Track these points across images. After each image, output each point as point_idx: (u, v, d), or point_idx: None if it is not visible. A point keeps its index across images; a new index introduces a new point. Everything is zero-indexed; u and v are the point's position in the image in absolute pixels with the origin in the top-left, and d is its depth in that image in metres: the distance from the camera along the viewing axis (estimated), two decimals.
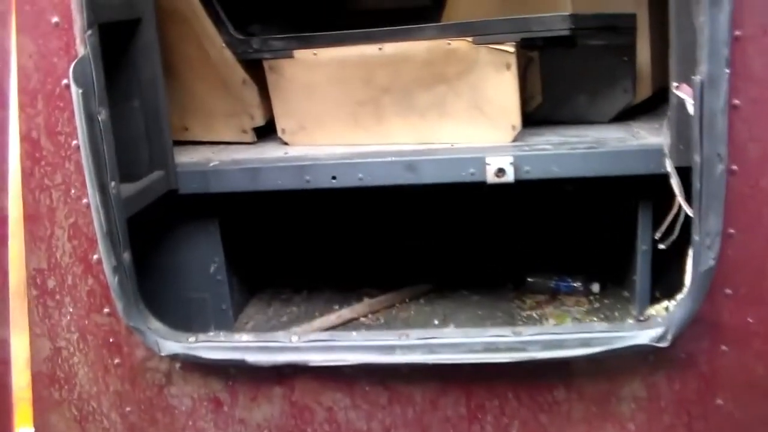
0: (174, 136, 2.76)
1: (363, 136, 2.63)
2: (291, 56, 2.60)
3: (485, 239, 3.30)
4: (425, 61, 2.48)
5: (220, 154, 2.69)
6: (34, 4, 1.93)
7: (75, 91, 1.88)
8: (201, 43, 2.71)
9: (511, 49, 2.38)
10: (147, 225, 2.42)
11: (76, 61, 1.89)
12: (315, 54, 2.58)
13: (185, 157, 2.67)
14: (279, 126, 2.74)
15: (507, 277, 3.05)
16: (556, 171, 2.31)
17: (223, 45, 2.68)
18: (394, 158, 2.40)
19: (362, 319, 2.85)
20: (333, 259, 3.32)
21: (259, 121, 2.78)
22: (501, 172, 2.30)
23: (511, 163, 2.29)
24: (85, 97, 1.90)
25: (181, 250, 2.70)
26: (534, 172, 2.32)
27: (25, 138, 2.01)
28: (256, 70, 2.71)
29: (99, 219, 1.96)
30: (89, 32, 1.91)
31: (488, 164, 2.30)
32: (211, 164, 2.55)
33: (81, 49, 1.91)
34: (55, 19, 1.92)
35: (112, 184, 1.99)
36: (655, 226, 2.24)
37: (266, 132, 2.84)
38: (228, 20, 2.67)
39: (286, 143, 2.74)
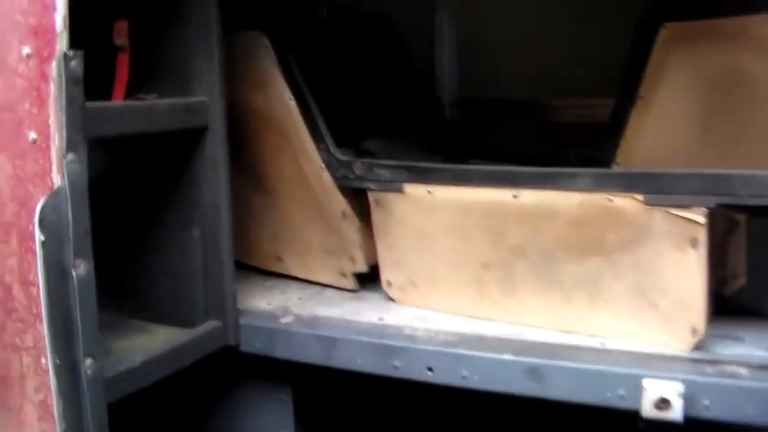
0: (267, 266, 2.34)
1: (488, 308, 1.94)
2: (401, 190, 1.97)
3: None
4: (576, 220, 1.77)
5: (306, 303, 2.11)
6: (12, 111, 1.41)
7: (38, 238, 1.35)
8: (297, 160, 2.13)
9: (701, 219, 1.62)
10: (200, 380, 1.95)
11: (46, 196, 1.36)
12: (430, 192, 1.93)
13: (263, 301, 2.12)
14: (384, 277, 2.10)
15: None
16: (751, 414, 1.53)
17: (322, 166, 2.09)
18: (512, 357, 1.70)
19: None
20: None
21: (361, 267, 2.14)
22: (664, 403, 1.54)
23: (680, 394, 1.53)
24: (51, 247, 1.36)
25: (242, 419, 2.13)
26: (716, 409, 1.55)
27: None
28: (361, 201, 2.09)
29: (59, 410, 1.41)
30: (70, 157, 1.37)
31: (645, 389, 1.55)
32: (282, 320, 1.97)
33: (57, 180, 1.37)
34: (32, 135, 1.40)
35: (88, 362, 1.43)
36: None
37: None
38: (329, 134, 2.07)
39: (392, 299, 2.11)
